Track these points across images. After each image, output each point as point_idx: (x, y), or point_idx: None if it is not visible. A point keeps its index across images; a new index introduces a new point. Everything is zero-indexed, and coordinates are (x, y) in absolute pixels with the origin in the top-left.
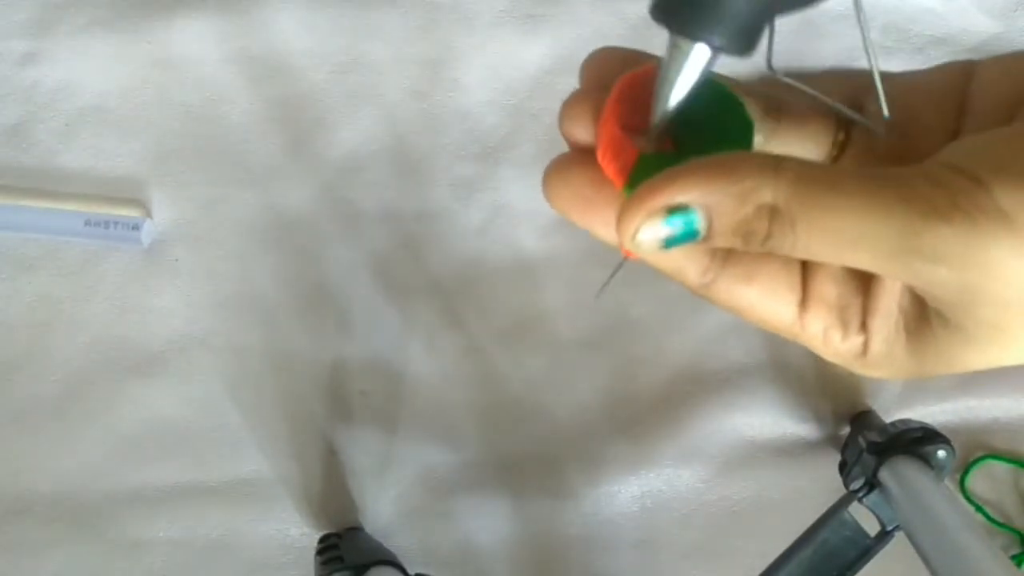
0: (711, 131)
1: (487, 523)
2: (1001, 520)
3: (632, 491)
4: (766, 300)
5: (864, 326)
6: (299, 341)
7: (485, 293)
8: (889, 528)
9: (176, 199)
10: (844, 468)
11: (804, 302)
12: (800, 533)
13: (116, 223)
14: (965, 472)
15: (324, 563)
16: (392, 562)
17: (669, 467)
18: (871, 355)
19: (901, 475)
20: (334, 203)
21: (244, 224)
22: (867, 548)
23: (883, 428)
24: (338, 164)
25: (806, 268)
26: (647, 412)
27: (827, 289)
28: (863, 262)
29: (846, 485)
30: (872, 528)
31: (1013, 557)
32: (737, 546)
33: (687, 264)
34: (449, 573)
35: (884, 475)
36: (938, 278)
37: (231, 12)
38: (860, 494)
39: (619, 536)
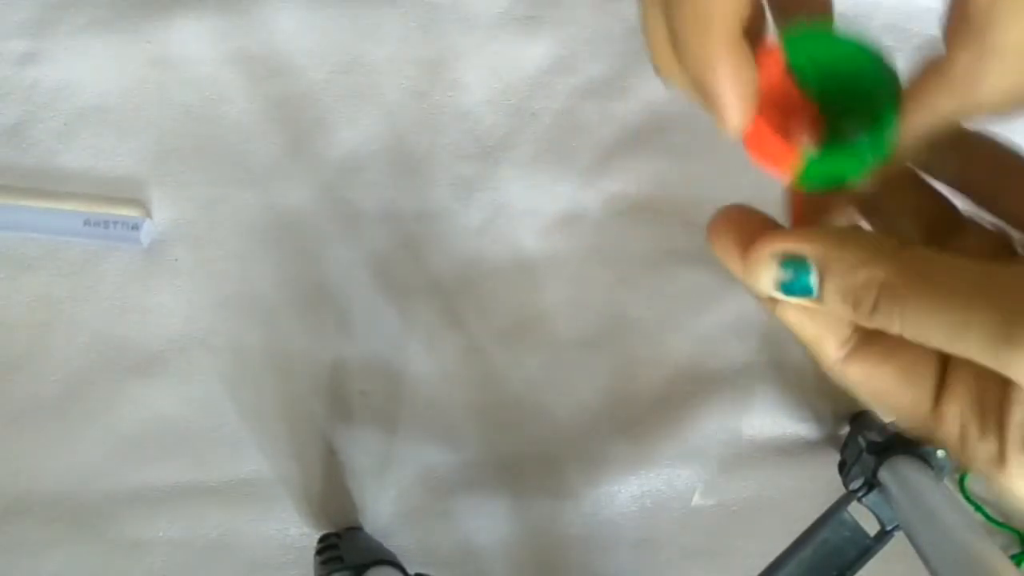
0: (855, 85)
1: (487, 523)
2: (1001, 520)
3: (632, 491)
4: (901, 383)
5: (1001, 427)
6: (299, 341)
7: (485, 293)
8: (889, 528)
9: (176, 199)
10: (843, 468)
11: (941, 391)
12: (800, 533)
13: (116, 223)
14: (965, 472)
15: (324, 563)
16: (392, 562)
17: (669, 467)
18: (1008, 462)
19: (901, 475)
20: (334, 203)
21: (244, 224)
22: (867, 548)
23: (883, 428)
24: (338, 164)
25: (947, 358)
26: (647, 412)
27: (966, 379)
28: (971, 352)
29: (845, 485)
30: (872, 528)
31: (1013, 557)
32: (737, 546)
33: (827, 334)
34: (449, 573)
35: (884, 475)
36: None
37: (231, 12)
38: (860, 494)
39: (619, 536)
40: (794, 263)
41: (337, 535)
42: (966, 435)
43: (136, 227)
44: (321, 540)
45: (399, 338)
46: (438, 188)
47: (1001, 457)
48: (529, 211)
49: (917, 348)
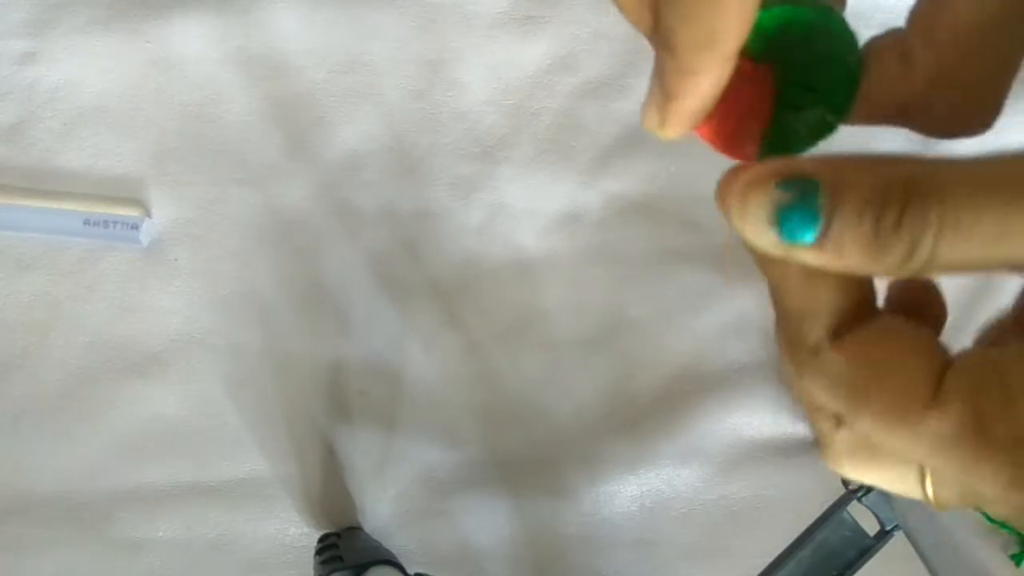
0: (813, 55)
1: (486, 523)
2: (999, 520)
3: (631, 490)
4: (896, 366)
5: None
6: (298, 341)
7: (484, 293)
8: (888, 528)
9: (175, 198)
10: None
11: (944, 377)
12: (799, 533)
13: (115, 222)
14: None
15: (323, 563)
16: (391, 562)
17: (668, 466)
18: None
19: None
20: (333, 203)
21: (243, 223)
22: (866, 548)
23: None
24: (337, 163)
25: (946, 360)
26: (647, 412)
27: (978, 360)
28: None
29: (845, 485)
30: (871, 528)
31: (1012, 556)
32: (736, 545)
33: (822, 303)
34: (448, 573)
35: None
36: None
37: (230, 11)
38: (859, 494)
39: (618, 535)
40: (797, 182)
41: (336, 535)
42: (982, 426)
43: (136, 227)
44: (321, 540)
45: (398, 338)
46: (438, 188)
47: None
48: (529, 211)
49: (915, 332)
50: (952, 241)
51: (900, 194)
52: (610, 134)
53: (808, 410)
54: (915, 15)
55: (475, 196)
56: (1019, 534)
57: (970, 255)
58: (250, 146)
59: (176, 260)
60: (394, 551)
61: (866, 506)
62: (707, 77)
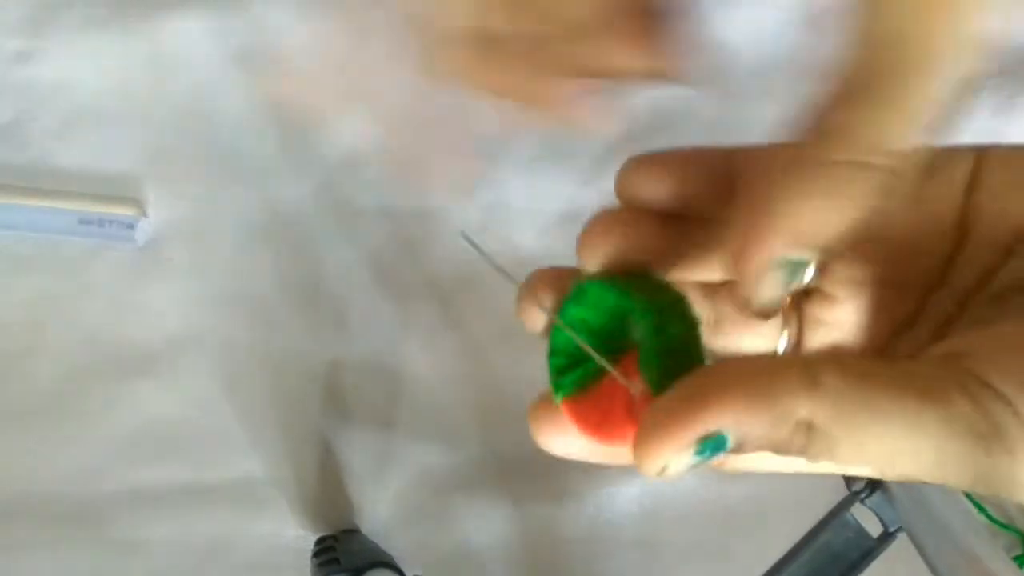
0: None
1: (485, 524)
2: (1004, 521)
3: (632, 492)
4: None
5: None
6: (295, 340)
7: (484, 292)
8: (892, 529)
9: (171, 198)
10: None
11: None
12: (802, 535)
13: (111, 222)
14: None
15: (321, 565)
16: (389, 564)
17: None
18: None
19: None
20: (331, 201)
21: (240, 223)
22: (869, 549)
23: None
24: (335, 162)
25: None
26: None
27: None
28: (908, 475)
29: (848, 486)
30: (875, 529)
31: (1016, 558)
32: (737, 547)
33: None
34: (446, 574)
35: None
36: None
37: (227, 10)
38: (862, 495)
39: (618, 536)
40: (710, 442)
41: (334, 537)
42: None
43: (131, 226)
44: (318, 542)
45: (397, 337)
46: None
47: None
48: (528, 210)
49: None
50: (849, 465)
51: (802, 441)
52: (610, 134)
53: None
54: None
55: (474, 195)
56: (1022, 535)
57: (869, 471)
58: (247, 145)
59: (172, 259)
60: (392, 553)
61: (869, 508)
62: None
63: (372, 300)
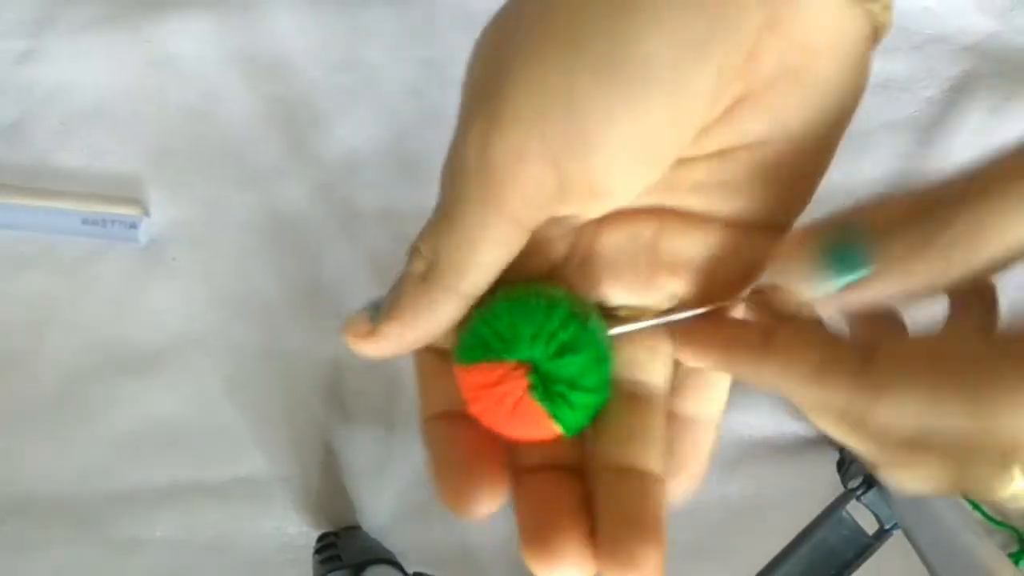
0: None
1: (485, 522)
2: (999, 518)
3: None
4: None
5: None
6: (297, 340)
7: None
8: (887, 526)
9: (174, 198)
10: (842, 466)
11: None
12: (798, 531)
13: (113, 222)
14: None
15: (322, 562)
16: (390, 560)
17: None
18: None
19: None
20: (332, 202)
21: (242, 223)
22: (865, 546)
23: None
24: (336, 163)
25: None
26: None
27: None
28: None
29: (844, 483)
30: (870, 526)
31: (1011, 555)
32: (736, 544)
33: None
34: (447, 571)
35: None
36: None
37: (229, 11)
38: (858, 492)
39: None
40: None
41: (335, 534)
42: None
43: (134, 226)
44: (319, 539)
45: None
46: (437, 187)
47: None
48: None
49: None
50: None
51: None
52: None
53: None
54: None
55: None
56: (1018, 532)
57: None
58: (249, 146)
59: (174, 259)
60: (393, 550)
61: (865, 505)
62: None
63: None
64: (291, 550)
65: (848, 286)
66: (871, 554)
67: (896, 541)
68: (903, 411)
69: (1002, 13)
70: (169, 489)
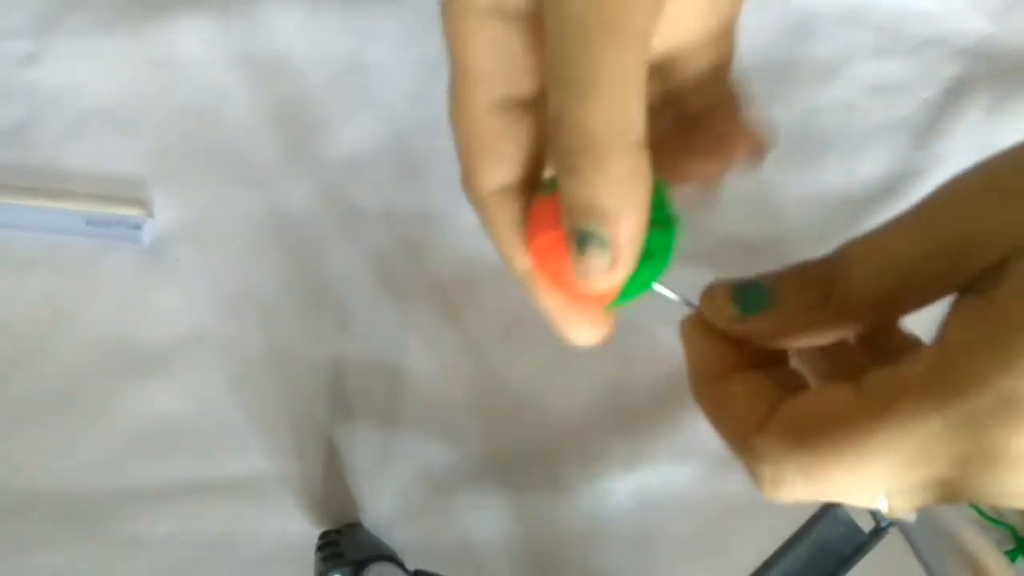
0: None
1: (485, 519)
2: (995, 516)
3: (630, 487)
4: None
5: None
6: (300, 339)
7: (484, 291)
8: (884, 524)
9: (178, 199)
10: None
11: None
12: (795, 529)
13: (117, 222)
14: None
15: (324, 559)
16: (391, 558)
17: (666, 463)
18: None
19: None
20: (335, 203)
21: (245, 224)
22: (862, 544)
23: None
24: (339, 164)
25: None
26: (644, 409)
27: None
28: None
29: None
30: (867, 524)
31: (1007, 553)
32: (733, 542)
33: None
34: (448, 568)
35: None
36: None
37: (233, 13)
38: None
39: (616, 532)
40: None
41: (337, 532)
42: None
43: (138, 227)
44: (321, 537)
45: (399, 336)
46: (438, 188)
47: None
48: None
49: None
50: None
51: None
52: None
53: None
54: None
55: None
56: (1014, 530)
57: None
58: (252, 147)
59: (178, 260)
60: (394, 547)
61: None
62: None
63: (375, 300)
64: (293, 548)
65: (752, 317)
66: (867, 552)
67: (892, 539)
68: (781, 481)
69: (999, 15)
70: (171, 487)
